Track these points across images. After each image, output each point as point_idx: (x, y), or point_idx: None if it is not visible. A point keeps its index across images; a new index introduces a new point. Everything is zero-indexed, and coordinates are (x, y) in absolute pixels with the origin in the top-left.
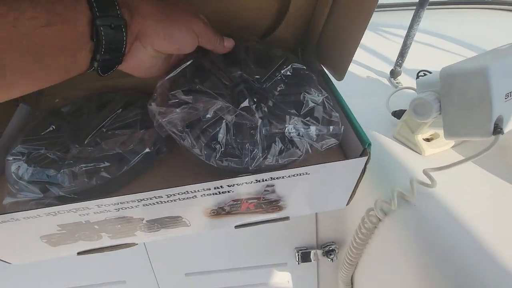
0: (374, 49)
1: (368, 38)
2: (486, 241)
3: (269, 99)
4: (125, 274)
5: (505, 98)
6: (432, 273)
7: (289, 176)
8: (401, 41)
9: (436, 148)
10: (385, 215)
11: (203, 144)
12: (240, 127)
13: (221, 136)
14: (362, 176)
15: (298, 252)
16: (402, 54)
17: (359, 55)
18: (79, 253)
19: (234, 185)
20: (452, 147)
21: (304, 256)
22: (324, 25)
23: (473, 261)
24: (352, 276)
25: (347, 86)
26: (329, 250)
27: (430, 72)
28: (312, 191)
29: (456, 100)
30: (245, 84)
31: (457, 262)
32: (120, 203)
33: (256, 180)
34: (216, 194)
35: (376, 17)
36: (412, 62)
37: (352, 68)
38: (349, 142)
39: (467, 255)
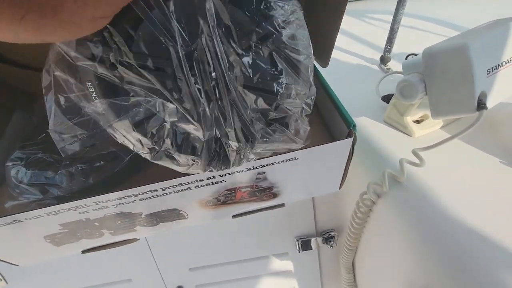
0: (363, 37)
1: (356, 26)
2: (475, 216)
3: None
4: (130, 273)
5: (487, 74)
6: (425, 249)
7: (278, 162)
8: (388, 27)
9: (425, 129)
10: (378, 197)
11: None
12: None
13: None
14: (351, 158)
15: (298, 240)
16: (390, 40)
17: (349, 43)
18: (83, 252)
19: (226, 174)
20: (442, 127)
21: (305, 245)
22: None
23: (462, 235)
24: (353, 261)
25: (338, 74)
26: (328, 237)
27: None
28: (303, 176)
29: (439, 79)
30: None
31: (448, 238)
32: (117, 199)
33: (247, 169)
34: (209, 184)
35: (362, 5)
36: (401, 46)
37: (342, 56)
38: (336, 126)
39: (457, 230)
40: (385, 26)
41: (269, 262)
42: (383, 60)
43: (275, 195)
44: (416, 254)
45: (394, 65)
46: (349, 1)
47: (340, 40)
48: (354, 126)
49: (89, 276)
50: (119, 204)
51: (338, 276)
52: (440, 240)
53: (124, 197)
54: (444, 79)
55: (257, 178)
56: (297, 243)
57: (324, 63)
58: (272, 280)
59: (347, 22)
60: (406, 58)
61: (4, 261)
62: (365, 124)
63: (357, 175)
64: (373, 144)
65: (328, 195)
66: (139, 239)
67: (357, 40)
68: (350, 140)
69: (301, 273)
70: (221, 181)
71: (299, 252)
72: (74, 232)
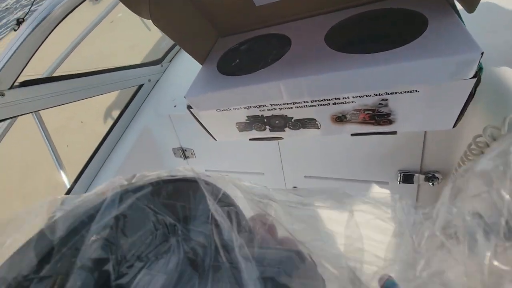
0: None
1: None
2: None
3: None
4: (264, 168)
5: None
6: None
7: (401, 93)
8: None
9: None
10: (494, 140)
11: None
12: None
13: None
14: (471, 99)
15: (400, 173)
16: None
17: None
18: (250, 139)
19: (357, 96)
20: None
21: (406, 178)
22: None
23: None
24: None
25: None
26: (432, 177)
27: None
28: (420, 109)
29: None
30: None
31: None
32: (289, 103)
33: (374, 94)
34: (343, 103)
35: None
36: None
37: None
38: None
39: None
40: None
41: (370, 187)
42: None
43: (390, 122)
44: None
45: None
46: None
47: None
48: (481, 69)
49: (240, 162)
50: (286, 108)
51: None
52: None
53: (294, 103)
54: None
55: (379, 104)
56: (399, 175)
57: (471, 8)
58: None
59: None
60: None
61: (211, 135)
62: (494, 70)
63: (472, 121)
64: (496, 87)
65: (440, 137)
66: (283, 138)
67: None
68: (473, 81)
69: None
70: (352, 102)
71: (400, 183)
72: (251, 124)
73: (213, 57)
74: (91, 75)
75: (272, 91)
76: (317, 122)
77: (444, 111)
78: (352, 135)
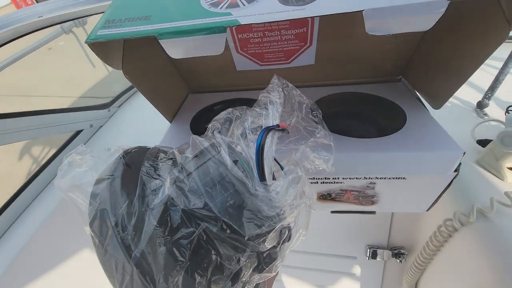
0: None
1: None
2: None
3: None
4: None
5: None
6: (503, 280)
7: (390, 178)
8: (491, 70)
9: None
10: (462, 225)
11: None
12: None
13: None
14: (447, 188)
15: (369, 249)
16: (492, 88)
17: None
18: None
19: (347, 178)
20: None
21: (374, 254)
22: (428, 59)
23: None
24: (417, 280)
25: (432, 111)
26: (398, 253)
27: None
28: (402, 193)
29: None
30: None
31: None
32: None
33: (364, 178)
34: (331, 183)
35: None
36: (500, 93)
37: None
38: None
39: None
40: (489, 70)
41: (338, 261)
42: (481, 105)
43: (372, 203)
44: (494, 279)
45: (490, 111)
46: None
47: None
48: (460, 164)
49: None
50: None
51: None
52: None
53: None
54: None
55: (367, 186)
56: (368, 250)
57: (438, 106)
58: (336, 278)
59: None
60: (507, 109)
61: None
62: (465, 161)
63: (441, 204)
64: (464, 180)
65: (407, 217)
66: None
67: None
68: (454, 174)
69: (365, 279)
70: (341, 182)
71: (368, 259)
72: None
73: (183, 114)
74: (21, 116)
75: None
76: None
77: (422, 197)
78: (332, 212)
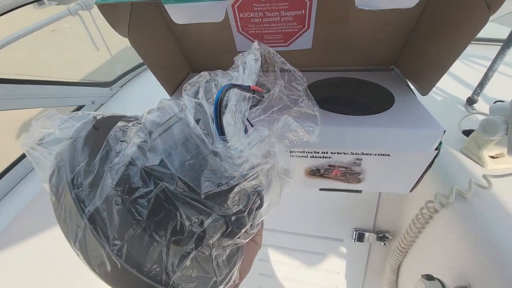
0: (455, 74)
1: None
2: None
3: None
4: None
5: None
6: (480, 258)
7: (375, 154)
8: (480, 69)
9: (499, 165)
10: (442, 207)
11: None
12: None
13: None
14: (429, 169)
15: (356, 231)
16: (481, 85)
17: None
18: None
19: (335, 153)
20: None
21: (361, 236)
22: (417, 49)
23: None
24: (400, 263)
25: (425, 104)
26: (383, 236)
27: None
28: (386, 171)
29: None
30: None
31: (506, 250)
32: None
33: (351, 153)
34: (320, 157)
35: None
36: (488, 90)
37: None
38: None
39: None
40: (478, 68)
41: (325, 243)
42: (470, 101)
43: (359, 181)
44: (469, 261)
45: (479, 106)
46: None
47: None
48: (441, 143)
49: None
50: None
51: (382, 274)
52: (496, 251)
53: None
54: None
55: (354, 162)
56: (354, 233)
57: (425, 92)
58: (322, 259)
59: None
60: (493, 103)
61: None
62: (443, 150)
63: (423, 189)
64: (446, 164)
65: (392, 201)
66: None
67: (448, 75)
68: (435, 153)
69: (350, 261)
70: (329, 157)
71: (354, 241)
72: None
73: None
74: (22, 83)
75: None
76: (291, 173)
77: (406, 176)
78: (320, 189)
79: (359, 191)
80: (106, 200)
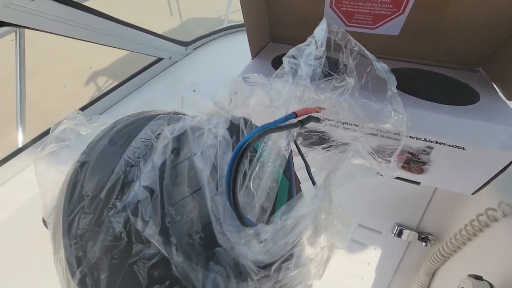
0: None
1: None
2: None
3: None
4: None
5: None
6: None
7: (449, 145)
8: None
9: None
10: (504, 217)
11: None
12: None
13: None
14: (502, 172)
15: (397, 226)
16: None
17: None
18: None
19: (408, 137)
20: None
21: (400, 232)
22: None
23: None
24: (436, 268)
25: None
26: (425, 237)
27: None
28: (455, 166)
29: None
30: None
31: None
32: None
33: (425, 139)
34: (389, 138)
35: None
36: None
37: None
38: None
39: None
40: None
41: (362, 232)
42: None
43: (421, 171)
44: None
45: None
46: None
47: None
48: None
49: None
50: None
51: (412, 273)
52: None
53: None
54: None
55: (423, 150)
56: (396, 227)
57: (510, 97)
58: (355, 247)
59: None
60: None
61: None
62: None
63: (485, 194)
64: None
65: (446, 203)
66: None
67: None
68: None
69: (384, 255)
70: (399, 139)
71: (393, 236)
72: None
73: (263, 56)
74: (120, 23)
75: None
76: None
77: (473, 175)
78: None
79: (418, 183)
80: (102, 261)
